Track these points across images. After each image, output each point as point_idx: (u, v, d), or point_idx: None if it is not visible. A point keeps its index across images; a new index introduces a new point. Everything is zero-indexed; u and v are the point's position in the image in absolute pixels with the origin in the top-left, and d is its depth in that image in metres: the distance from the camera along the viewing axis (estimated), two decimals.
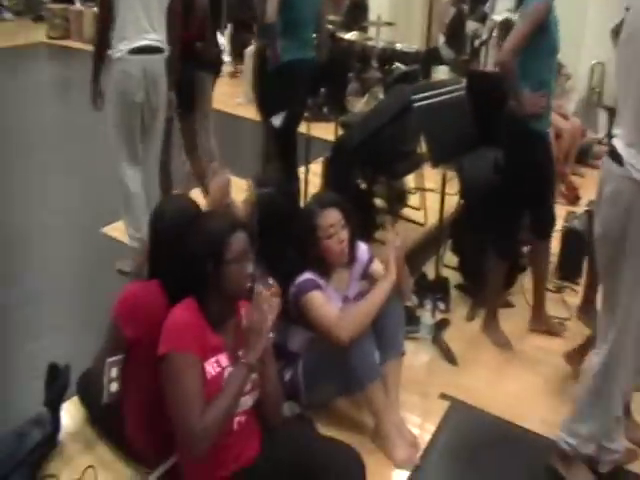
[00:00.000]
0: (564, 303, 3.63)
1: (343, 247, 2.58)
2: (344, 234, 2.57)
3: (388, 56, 6.54)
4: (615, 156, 2.07)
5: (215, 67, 4.19)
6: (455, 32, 8.50)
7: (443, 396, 2.79)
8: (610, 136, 2.20)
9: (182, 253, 1.96)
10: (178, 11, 3.50)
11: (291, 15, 3.65)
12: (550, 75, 3.02)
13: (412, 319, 3.07)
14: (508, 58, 2.87)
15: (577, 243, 3.90)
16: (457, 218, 3.78)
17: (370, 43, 6.81)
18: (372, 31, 7.33)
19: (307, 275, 2.53)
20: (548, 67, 3.02)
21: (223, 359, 1.92)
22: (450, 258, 3.78)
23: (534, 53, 2.90)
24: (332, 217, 2.56)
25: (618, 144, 2.07)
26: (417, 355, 3.03)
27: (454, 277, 3.68)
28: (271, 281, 1.97)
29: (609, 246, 2.16)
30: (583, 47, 8.49)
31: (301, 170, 4.14)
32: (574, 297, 3.67)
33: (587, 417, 2.29)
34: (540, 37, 2.88)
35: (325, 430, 2.41)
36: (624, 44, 2.09)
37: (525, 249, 3.95)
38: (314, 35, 3.94)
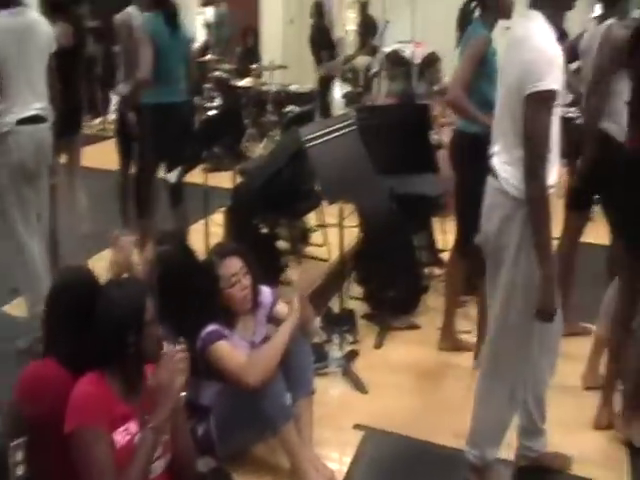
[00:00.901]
0: (467, 317, 3.80)
1: (246, 294, 2.66)
2: (246, 281, 2.65)
3: (283, 99, 6.72)
4: (492, 172, 2.29)
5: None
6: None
7: (357, 426, 2.87)
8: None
9: (96, 326, 1.95)
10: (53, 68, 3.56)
11: (161, 64, 3.96)
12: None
13: (321, 355, 3.16)
14: (456, 95, 3.06)
15: (476, 259, 4.11)
16: (359, 249, 3.94)
17: (265, 87, 6.98)
18: (266, 75, 7.51)
19: (211, 327, 2.58)
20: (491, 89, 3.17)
21: (133, 426, 1.93)
22: (356, 289, 3.91)
23: (478, 79, 3.06)
24: (233, 266, 2.64)
25: (495, 160, 2.29)
26: (328, 390, 3.11)
27: (361, 307, 3.80)
28: (178, 339, 2.02)
29: (489, 255, 2.38)
30: None
31: (201, 222, 4.22)
32: (474, 310, 3.84)
33: (480, 423, 2.43)
34: (481, 66, 3.06)
35: (243, 479, 2.45)
36: (501, 70, 2.34)
37: (427, 270, 4.16)
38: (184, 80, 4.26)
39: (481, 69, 3.06)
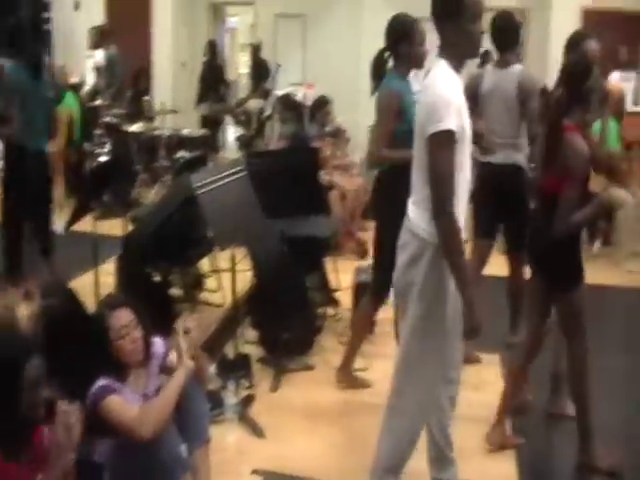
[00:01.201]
0: (360, 354, 3.90)
1: (136, 347, 2.62)
2: (136, 333, 2.61)
3: (175, 143, 6.72)
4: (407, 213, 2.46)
5: None
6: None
7: (255, 472, 2.87)
8: None
9: None
10: None
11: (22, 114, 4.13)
12: None
13: (217, 402, 3.15)
14: (380, 156, 3.21)
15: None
16: (252, 293, 3.98)
17: (157, 132, 6.96)
18: (158, 119, 7.49)
19: (102, 382, 2.53)
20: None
21: None
22: (251, 333, 3.93)
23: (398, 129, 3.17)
24: (123, 318, 2.60)
25: (410, 201, 2.45)
26: (225, 436, 3.10)
27: (256, 351, 3.82)
28: (70, 397, 1.98)
29: (398, 291, 2.53)
30: (360, 110, 9.25)
31: (91, 272, 4.14)
32: (369, 346, 3.97)
33: (381, 454, 2.50)
34: (399, 118, 3.18)
35: None
36: (417, 122, 2.42)
37: (320, 310, 4.24)
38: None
39: (399, 120, 3.19)
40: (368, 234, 6.15)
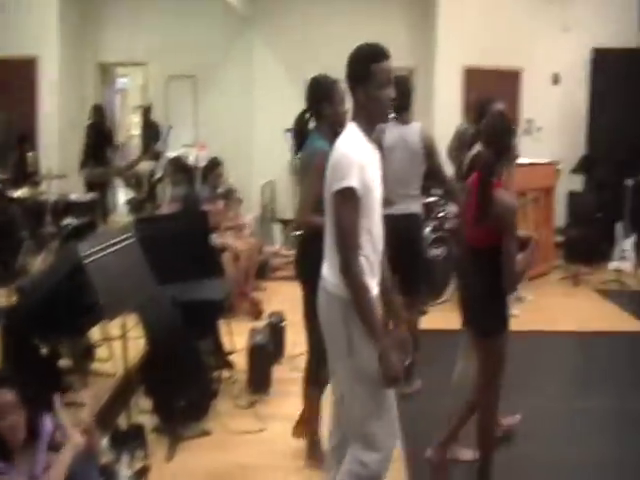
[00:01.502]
0: (257, 416, 3.93)
1: (16, 428, 2.53)
2: (16, 415, 2.53)
3: (62, 208, 6.58)
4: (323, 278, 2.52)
5: None
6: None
7: None
8: None
9: None
10: None
11: None
12: None
13: (110, 475, 3.07)
14: (308, 218, 3.16)
15: (263, 357, 4.29)
16: (145, 361, 3.92)
17: (42, 197, 6.79)
18: (44, 184, 7.30)
19: None
20: None
21: None
22: (144, 402, 3.86)
23: None
24: (3, 398, 2.53)
25: (325, 268, 2.52)
26: None
27: (150, 421, 3.75)
28: None
29: (328, 349, 2.55)
30: (253, 168, 9.43)
31: None
32: (264, 407, 4.02)
33: None
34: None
35: None
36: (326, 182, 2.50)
37: (215, 374, 4.24)
38: None
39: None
40: (262, 294, 6.25)
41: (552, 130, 8.74)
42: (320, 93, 3.31)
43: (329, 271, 2.47)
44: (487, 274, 3.00)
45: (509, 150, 3.08)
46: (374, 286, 2.48)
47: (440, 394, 3.87)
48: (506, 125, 3.11)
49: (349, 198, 2.33)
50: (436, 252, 6.05)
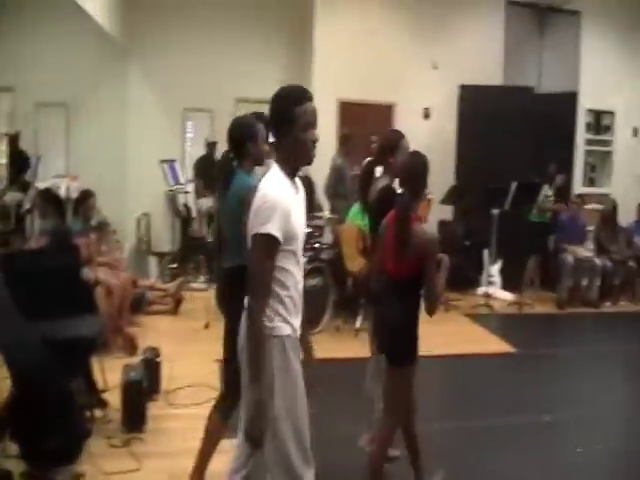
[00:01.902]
0: (133, 455, 3.82)
1: None
2: None
3: None
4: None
5: None
6: None
7: None
8: None
9: None
10: None
11: None
12: None
13: None
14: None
15: (138, 393, 4.18)
16: (11, 403, 3.72)
17: None
18: None
19: None
20: None
21: None
22: (12, 447, 3.65)
23: None
24: None
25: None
26: None
27: (18, 466, 3.54)
28: None
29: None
30: (128, 200, 9.23)
31: None
32: (140, 445, 3.92)
33: None
34: None
35: None
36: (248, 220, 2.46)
37: (88, 413, 4.09)
38: None
39: None
40: (137, 329, 6.10)
41: None
42: (244, 134, 3.40)
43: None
44: (407, 305, 3.22)
45: (424, 188, 3.31)
46: (297, 326, 2.51)
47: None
48: (422, 166, 3.32)
49: (266, 244, 2.33)
50: (312, 282, 6.15)
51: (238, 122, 3.49)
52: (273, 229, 2.31)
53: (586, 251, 8.68)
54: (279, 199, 2.35)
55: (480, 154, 8.84)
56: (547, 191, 8.56)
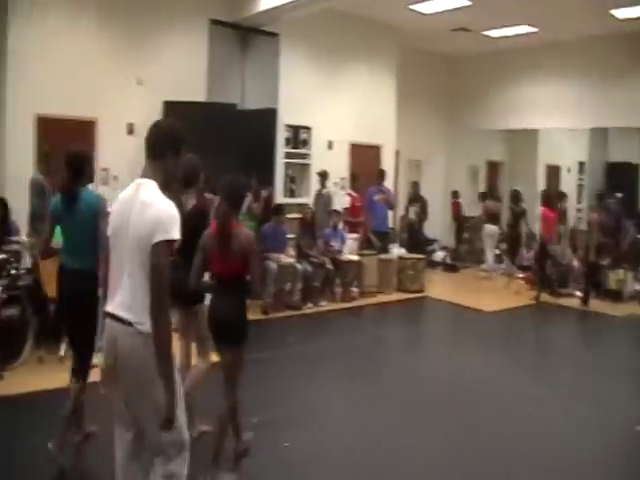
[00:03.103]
0: None
1: None
2: None
3: None
4: (121, 320, 2.75)
5: None
6: None
7: None
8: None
9: None
10: None
11: None
12: None
13: None
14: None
15: None
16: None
17: None
18: None
19: None
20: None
21: None
22: None
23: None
24: None
25: (120, 312, 2.76)
26: None
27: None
28: None
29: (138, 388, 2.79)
30: None
31: None
32: None
33: None
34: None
35: None
36: (124, 225, 2.82)
37: None
38: None
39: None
40: None
41: (126, 178, 8.94)
42: (82, 161, 4.34)
43: (140, 314, 2.70)
44: (238, 296, 4.06)
45: (243, 202, 4.29)
46: None
47: None
48: (242, 184, 4.32)
49: (169, 250, 2.70)
50: (9, 312, 5.82)
51: (74, 151, 4.37)
52: (177, 235, 2.72)
53: (288, 257, 9.39)
54: (174, 210, 2.77)
55: None
56: (253, 203, 9.03)
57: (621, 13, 11.27)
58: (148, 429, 2.85)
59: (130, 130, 9.38)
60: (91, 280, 4.10)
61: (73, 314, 4.23)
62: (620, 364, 7.66)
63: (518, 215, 12.66)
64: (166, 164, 2.88)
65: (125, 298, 2.76)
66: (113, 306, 2.82)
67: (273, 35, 10.98)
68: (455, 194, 15.52)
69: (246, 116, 10.08)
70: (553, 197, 11.60)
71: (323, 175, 10.99)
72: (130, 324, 2.73)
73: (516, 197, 12.91)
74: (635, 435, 5.32)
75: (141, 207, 2.75)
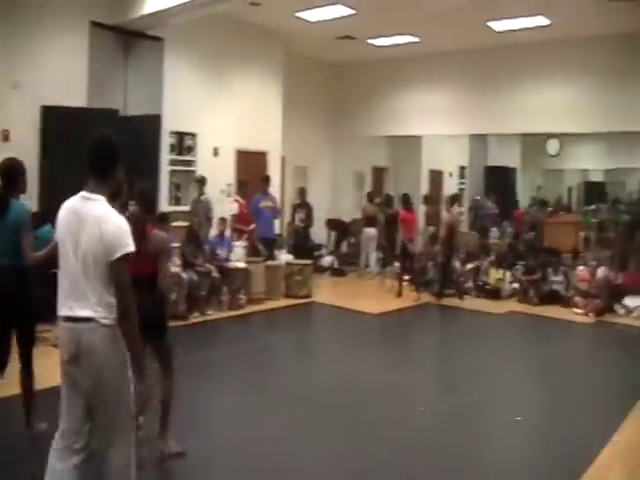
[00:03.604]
0: None
1: None
2: None
3: None
4: (82, 320, 3.10)
5: None
6: None
7: None
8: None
9: None
10: None
11: None
12: None
13: None
14: (33, 256, 4.60)
15: None
16: None
17: None
18: None
19: None
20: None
21: None
22: None
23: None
24: None
25: (80, 312, 3.10)
26: None
27: None
28: None
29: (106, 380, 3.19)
30: None
31: None
32: None
33: None
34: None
35: None
36: (75, 235, 3.18)
37: None
38: None
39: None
40: None
41: None
42: (16, 173, 4.77)
43: (101, 309, 3.08)
44: (153, 294, 4.37)
45: (154, 206, 4.93)
46: None
47: None
48: (151, 190, 5.11)
49: (127, 260, 3.06)
50: None
51: (8, 162, 4.78)
52: (133, 247, 3.11)
53: (173, 266, 9.28)
54: (126, 224, 3.17)
55: (69, 175, 8.64)
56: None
57: (498, 26, 11.90)
58: (107, 414, 3.18)
59: (5, 137, 8.94)
60: (21, 275, 4.59)
61: (6, 308, 4.60)
62: (500, 358, 8.22)
63: (390, 218, 13.44)
64: (114, 179, 3.23)
65: (85, 300, 3.09)
66: (71, 309, 3.14)
67: (157, 40, 10.78)
68: None
69: (129, 122, 9.90)
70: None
71: (201, 181, 10.90)
72: (93, 320, 3.08)
73: (388, 201, 13.89)
74: (514, 424, 5.78)
75: (96, 221, 3.08)
